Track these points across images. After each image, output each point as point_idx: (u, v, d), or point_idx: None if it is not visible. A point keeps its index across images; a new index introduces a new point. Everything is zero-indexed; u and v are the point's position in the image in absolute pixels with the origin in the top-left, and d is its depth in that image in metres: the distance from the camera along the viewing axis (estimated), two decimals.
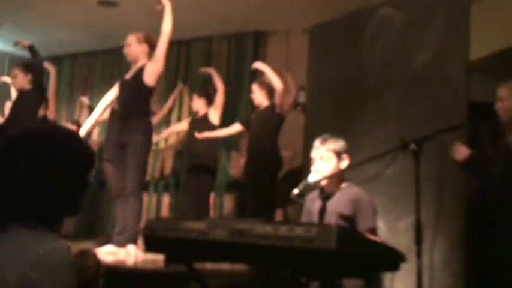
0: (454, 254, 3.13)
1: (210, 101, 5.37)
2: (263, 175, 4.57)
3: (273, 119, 4.72)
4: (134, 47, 4.07)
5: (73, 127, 6.29)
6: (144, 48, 4.08)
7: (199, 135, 4.88)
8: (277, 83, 4.65)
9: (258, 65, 4.92)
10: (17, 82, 4.78)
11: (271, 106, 4.77)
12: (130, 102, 4.00)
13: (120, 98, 4.09)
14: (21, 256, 1.23)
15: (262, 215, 4.24)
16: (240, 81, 6.29)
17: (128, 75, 4.10)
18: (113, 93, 4.17)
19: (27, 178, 1.31)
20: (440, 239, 2.92)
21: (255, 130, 4.76)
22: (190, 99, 6.60)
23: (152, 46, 4.10)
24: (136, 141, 3.87)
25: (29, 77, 4.77)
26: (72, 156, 1.37)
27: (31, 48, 4.82)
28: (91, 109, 6.31)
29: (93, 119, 4.25)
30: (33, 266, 1.21)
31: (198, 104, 5.38)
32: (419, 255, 2.28)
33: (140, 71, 3.99)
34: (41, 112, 5.20)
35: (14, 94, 5.53)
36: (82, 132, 4.17)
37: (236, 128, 4.95)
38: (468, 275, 3.08)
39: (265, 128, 4.70)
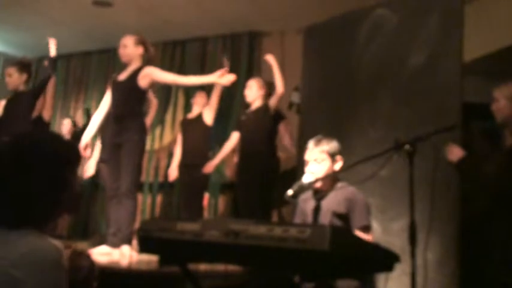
0: (448, 255, 3.15)
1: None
2: (255, 176, 4.55)
3: (267, 119, 4.69)
4: (131, 49, 4.06)
5: (68, 123, 6.29)
6: (140, 51, 4.07)
7: (206, 171, 4.90)
8: (280, 85, 4.62)
9: (270, 59, 4.80)
10: (11, 81, 4.72)
11: (265, 107, 4.73)
12: (124, 103, 3.99)
13: (114, 99, 4.08)
14: (4, 254, 1.22)
15: (255, 215, 4.23)
16: (234, 82, 6.28)
17: (122, 76, 4.08)
18: (106, 102, 4.15)
19: (9, 179, 1.32)
20: (434, 239, 2.93)
21: (248, 131, 4.70)
22: (184, 99, 6.61)
23: (147, 49, 4.10)
24: (131, 141, 3.87)
25: (24, 77, 4.74)
26: (55, 155, 1.37)
27: (53, 61, 4.82)
28: (88, 112, 6.32)
29: (91, 131, 4.20)
30: (15, 264, 1.20)
31: (202, 102, 5.32)
32: (413, 255, 2.29)
33: (135, 73, 3.98)
34: (36, 112, 5.18)
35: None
36: (82, 144, 4.10)
37: (235, 136, 4.88)
38: (462, 276, 3.10)
39: (258, 129, 4.66)
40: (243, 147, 4.76)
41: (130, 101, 3.98)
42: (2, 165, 1.34)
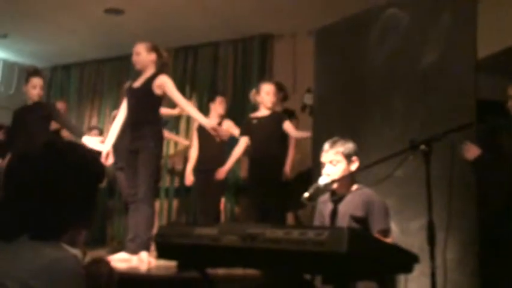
0: (467, 254, 3.12)
1: None
2: (270, 180, 4.54)
3: (280, 125, 4.67)
4: (144, 56, 4.09)
5: (92, 133, 6.32)
6: (153, 57, 4.10)
7: (218, 177, 4.86)
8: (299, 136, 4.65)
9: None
10: (36, 93, 4.63)
11: (279, 114, 4.72)
12: (140, 110, 4.01)
13: (130, 106, 4.11)
14: (24, 265, 1.24)
15: (270, 219, 4.23)
16: (247, 85, 6.30)
17: (137, 83, 4.11)
18: (124, 109, 4.16)
19: (37, 191, 1.32)
20: (452, 239, 2.90)
21: (262, 135, 4.67)
22: (198, 105, 6.63)
23: (160, 54, 4.13)
24: (148, 147, 3.89)
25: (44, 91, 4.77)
26: (81, 168, 1.38)
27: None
28: (101, 131, 6.38)
29: (112, 138, 4.21)
30: (35, 276, 1.21)
31: (220, 109, 5.30)
32: (432, 255, 2.27)
33: (150, 80, 4.01)
34: (55, 125, 5.22)
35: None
36: (104, 152, 4.11)
37: (244, 142, 4.81)
38: (482, 275, 3.07)
39: (273, 133, 4.63)
40: (256, 151, 4.73)
41: (146, 108, 4.01)
42: (33, 172, 1.33)
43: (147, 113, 3.99)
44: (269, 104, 4.69)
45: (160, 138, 4.02)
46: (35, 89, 4.65)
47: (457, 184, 2.89)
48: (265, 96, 4.71)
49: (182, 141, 6.31)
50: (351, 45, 4.12)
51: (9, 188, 1.35)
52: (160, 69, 4.11)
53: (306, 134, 4.58)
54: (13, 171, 1.37)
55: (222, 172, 4.87)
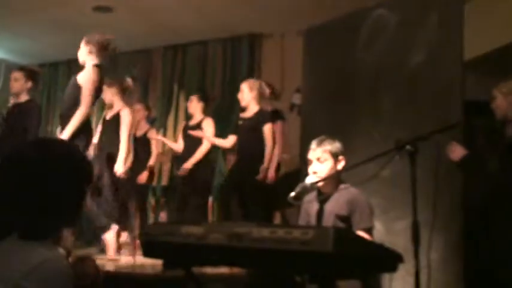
0: (452, 254, 3.14)
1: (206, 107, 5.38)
2: (252, 180, 4.55)
3: (263, 124, 4.66)
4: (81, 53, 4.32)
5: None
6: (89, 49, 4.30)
7: (194, 133, 4.95)
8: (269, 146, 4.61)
9: None
10: (15, 86, 4.61)
11: (261, 112, 4.72)
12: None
13: None
14: (15, 266, 1.22)
15: (254, 218, 4.25)
16: (235, 85, 6.29)
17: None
18: None
19: (25, 190, 1.31)
20: (437, 239, 2.93)
21: (245, 137, 4.70)
22: (186, 104, 6.62)
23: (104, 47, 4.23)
24: None
25: (29, 84, 4.68)
26: (70, 168, 1.37)
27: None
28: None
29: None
30: (26, 276, 1.20)
31: (196, 108, 5.32)
32: (416, 255, 2.29)
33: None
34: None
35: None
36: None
37: (231, 140, 4.88)
38: (466, 275, 3.09)
39: (256, 134, 4.64)
40: (239, 151, 4.78)
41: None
42: (21, 171, 1.32)
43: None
44: (242, 102, 4.77)
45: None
46: (14, 81, 4.64)
47: (442, 184, 2.90)
48: (239, 95, 4.81)
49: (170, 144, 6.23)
50: (340, 45, 4.13)
51: None
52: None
53: (269, 155, 4.54)
54: (1, 170, 1.36)
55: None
